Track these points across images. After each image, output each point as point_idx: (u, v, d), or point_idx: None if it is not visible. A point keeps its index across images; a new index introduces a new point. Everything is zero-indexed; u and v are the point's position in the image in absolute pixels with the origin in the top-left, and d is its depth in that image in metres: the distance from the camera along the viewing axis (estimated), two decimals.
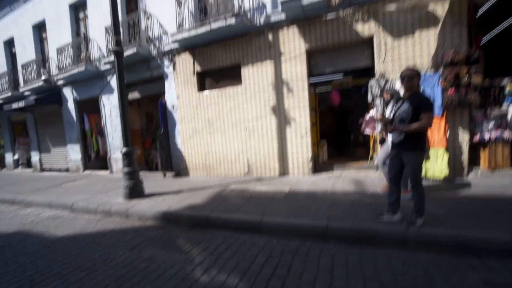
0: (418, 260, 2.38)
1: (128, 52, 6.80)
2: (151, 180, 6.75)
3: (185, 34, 6.10)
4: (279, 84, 5.85)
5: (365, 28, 5.08)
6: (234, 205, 4.12)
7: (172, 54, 6.99)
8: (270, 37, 5.84)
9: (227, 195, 4.73)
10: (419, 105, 2.61)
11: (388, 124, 2.90)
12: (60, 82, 9.42)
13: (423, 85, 4.60)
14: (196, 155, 6.91)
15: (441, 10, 4.53)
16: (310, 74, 5.74)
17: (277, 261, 2.55)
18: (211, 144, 6.70)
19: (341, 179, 5.24)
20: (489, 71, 5.17)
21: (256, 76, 6.06)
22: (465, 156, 4.62)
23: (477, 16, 5.09)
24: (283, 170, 5.99)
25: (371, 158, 5.88)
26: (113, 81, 8.19)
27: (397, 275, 2.17)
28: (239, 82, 6.32)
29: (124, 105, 5.02)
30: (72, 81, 9.06)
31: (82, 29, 9.17)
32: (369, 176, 5.25)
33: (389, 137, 3.55)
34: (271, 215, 3.49)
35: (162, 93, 7.31)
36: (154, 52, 7.26)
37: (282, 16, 5.61)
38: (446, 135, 4.60)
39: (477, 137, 4.61)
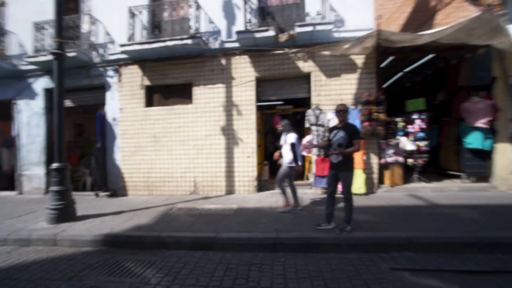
0: (349, 259, 3.00)
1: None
2: (81, 201, 5.89)
3: (137, 47, 5.97)
4: (229, 106, 6.24)
5: (305, 65, 6.04)
6: (185, 223, 4.13)
7: (118, 65, 6.63)
8: (224, 61, 6.27)
9: (176, 214, 4.66)
10: (352, 133, 3.38)
11: (326, 149, 3.61)
12: None
13: (348, 117, 5.71)
14: (137, 172, 6.50)
15: (359, 61, 5.85)
16: (258, 99, 6.34)
17: (235, 273, 2.76)
18: (156, 161, 6.45)
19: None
20: (390, 111, 6.78)
21: (208, 96, 6.31)
22: (375, 176, 5.83)
23: (380, 66, 6.71)
24: (230, 189, 6.23)
25: (307, 177, 6.71)
26: (37, 84, 7.12)
27: (335, 271, 2.72)
28: (189, 101, 6.44)
29: (62, 114, 4.52)
30: None
31: None
32: (306, 193, 5.99)
33: (285, 160, 4.49)
34: (224, 231, 3.68)
35: (102, 104, 6.74)
36: (97, 59, 6.72)
37: (236, 44, 6.14)
38: (364, 158, 5.75)
39: (383, 161, 5.93)
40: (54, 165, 4.43)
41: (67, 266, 3.11)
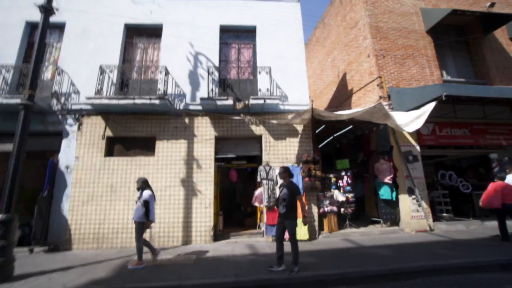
0: None
1: (18, 100, 6.08)
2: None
3: (105, 101, 6.38)
4: (190, 160, 6.86)
5: (257, 129, 7.28)
6: (146, 274, 4.23)
7: (80, 114, 6.80)
8: (187, 120, 7.09)
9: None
10: (293, 191, 4.35)
11: (276, 202, 4.50)
12: None
13: (293, 172, 6.89)
14: (87, 223, 6.20)
15: (299, 128, 7.39)
16: (216, 155, 7.15)
17: None
18: (110, 211, 6.32)
19: (238, 245, 6.27)
20: (325, 168, 8.34)
21: (170, 150, 6.86)
22: (316, 223, 6.87)
23: (316, 132, 8.47)
24: (187, 239, 6.41)
25: (259, 226, 7.37)
26: None
27: None
28: (152, 153, 6.85)
29: (20, 160, 4.47)
30: None
31: None
32: (258, 241, 6.58)
33: (136, 215, 4.73)
34: (187, 279, 3.96)
35: (56, 151, 6.57)
36: (56, 107, 6.78)
37: (199, 107, 7.11)
38: (306, 208, 6.81)
39: (321, 210, 7.10)
40: (1, 216, 4.17)
41: None
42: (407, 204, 7.36)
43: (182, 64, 7.49)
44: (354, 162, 9.31)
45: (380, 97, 7.91)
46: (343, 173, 7.96)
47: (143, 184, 4.98)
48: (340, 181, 7.87)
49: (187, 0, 8.09)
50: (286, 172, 4.56)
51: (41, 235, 5.96)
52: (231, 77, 7.79)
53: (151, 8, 7.94)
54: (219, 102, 6.79)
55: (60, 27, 7.65)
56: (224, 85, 7.56)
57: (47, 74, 7.39)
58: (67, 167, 6.50)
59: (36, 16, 6.91)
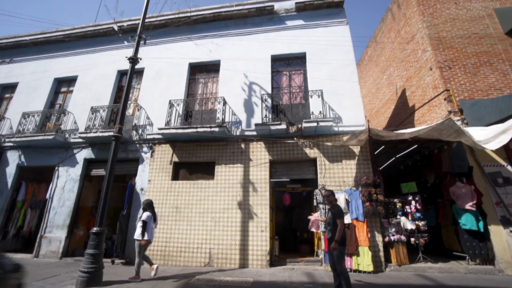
0: None
1: (110, 133, 7.44)
2: None
3: (173, 131, 7.31)
4: (246, 183, 7.13)
5: (311, 152, 7.22)
6: None
7: (153, 143, 7.91)
8: (243, 145, 7.52)
9: (197, 284, 4.92)
10: (335, 214, 4.12)
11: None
12: (7, 145, 8.81)
13: (351, 197, 6.51)
14: (156, 241, 6.86)
15: (356, 150, 7.05)
16: (271, 178, 7.27)
17: None
18: (175, 231, 6.91)
19: (295, 272, 6.04)
20: (388, 192, 7.61)
21: (228, 174, 7.29)
22: (381, 253, 6.18)
23: (375, 153, 7.90)
24: (243, 262, 6.47)
25: (316, 254, 6.99)
26: (79, 155, 8.25)
27: None
28: (212, 176, 7.39)
29: (110, 182, 5.38)
30: (25, 146, 8.61)
31: (59, 101, 9.62)
32: (316, 269, 6.21)
33: (136, 234, 5.28)
34: None
35: (133, 175, 7.69)
36: (135, 137, 8.06)
37: (254, 133, 7.50)
38: (368, 236, 6.24)
39: (386, 239, 6.38)
40: (94, 229, 5.00)
41: None
42: (503, 238, 6.05)
43: (238, 94, 8.15)
44: (422, 185, 8.25)
45: (450, 112, 7.07)
46: (410, 198, 7.09)
47: (146, 206, 5.52)
48: (407, 207, 7.00)
49: (241, 36, 8.99)
50: (332, 196, 4.40)
51: (120, 248, 6.83)
52: (283, 103, 8.09)
53: (210, 47, 9.06)
54: (272, 127, 7.06)
55: (140, 72, 9.30)
56: (277, 110, 7.87)
57: (129, 110, 8.92)
58: (141, 189, 7.48)
59: (125, 65, 8.63)
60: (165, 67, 9.04)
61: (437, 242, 7.70)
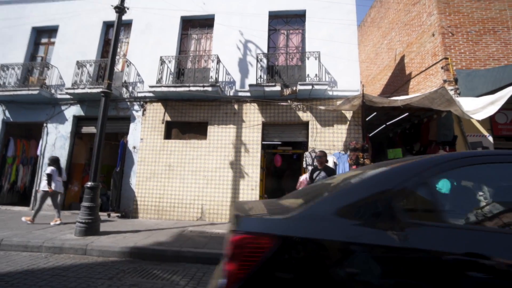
0: None
1: (98, 89, 7.18)
2: None
3: (164, 89, 7.11)
4: (238, 144, 7.24)
5: (304, 115, 7.25)
6: (199, 242, 4.76)
7: (144, 101, 7.73)
8: (236, 106, 7.45)
9: (189, 235, 5.29)
10: (330, 173, 4.34)
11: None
12: None
13: (339, 160, 6.76)
14: (150, 197, 7.15)
15: (348, 115, 7.11)
16: (263, 140, 7.38)
17: None
18: (168, 188, 7.16)
19: None
20: (374, 157, 7.90)
21: (220, 134, 7.34)
22: None
23: (367, 120, 8.01)
24: None
25: None
26: (68, 112, 8.05)
27: None
28: (204, 137, 7.44)
29: (102, 139, 5.37)
30: (8, 101, 8.29)
31: (41, 54, 9.01)
32: None
33: (41, 186, 6.09)
34: None
35: (125, 133, 7.65)
36: (126, 94, 7.82)
37: (248, 94, 7.38)
38: None
39: None
40: (88, 184, 5.14)
41: (102, 270, 3.68)
42: None
43: (233, 52, 7.79)
44: (408, 152, 8.58)
45: (445, 81, 7.05)
46: None
47: (51, 162, 6.04)
48: None
49: None
50: (325, 157, 4.61)
51: (115, 203, 7.11)
52: (279, 64, 7.84)
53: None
54: (267, 89, 6.94)
55: (128, 24, 8.64)
56: (272, 71, 7.66)
57: (118, 66, 8.49)
58: (134, 147, 7.52)
59: (111, 16, 7.96)
60: (155, 20, 8.40)
61: None
